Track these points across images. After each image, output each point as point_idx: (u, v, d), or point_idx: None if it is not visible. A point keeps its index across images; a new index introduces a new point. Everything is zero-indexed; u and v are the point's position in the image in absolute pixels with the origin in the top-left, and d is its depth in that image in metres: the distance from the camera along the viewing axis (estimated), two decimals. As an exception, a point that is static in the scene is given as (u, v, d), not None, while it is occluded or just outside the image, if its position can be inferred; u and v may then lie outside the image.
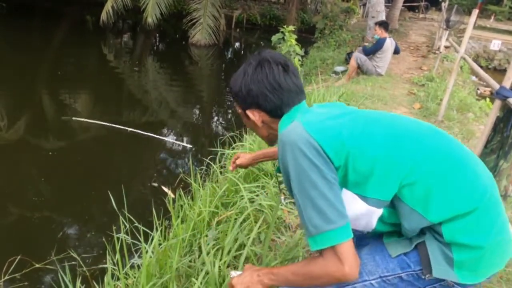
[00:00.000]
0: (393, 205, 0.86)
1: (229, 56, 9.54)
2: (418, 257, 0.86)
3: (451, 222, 0.81)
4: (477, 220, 0.81)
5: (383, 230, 0.93)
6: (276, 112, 0.98)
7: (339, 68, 5.54)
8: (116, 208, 1.87)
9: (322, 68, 5.74)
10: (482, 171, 0.87)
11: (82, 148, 4.05)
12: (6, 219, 2.69)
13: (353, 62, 5.11)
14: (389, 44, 4.94)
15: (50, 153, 3.70)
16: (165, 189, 2.91)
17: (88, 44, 8.36)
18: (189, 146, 4.06)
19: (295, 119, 0.92)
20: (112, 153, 4.07)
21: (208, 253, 1.57)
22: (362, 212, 0.88)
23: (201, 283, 1.48)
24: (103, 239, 2.16)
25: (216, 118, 5.86)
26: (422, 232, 0.87)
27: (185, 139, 4.52)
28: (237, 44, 12.11)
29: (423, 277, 0.86)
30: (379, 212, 0.88)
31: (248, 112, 1.00)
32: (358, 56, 5.11)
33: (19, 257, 2.11)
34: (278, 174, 1.03)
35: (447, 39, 5.81)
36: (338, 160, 0.84)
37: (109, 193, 1.98)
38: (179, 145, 4.53)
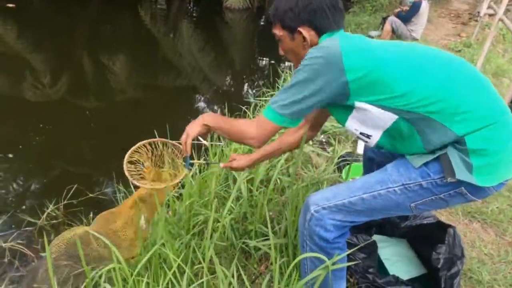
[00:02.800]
0: (417, 123, 1.00)
1: (263, 21, 9.54)
2: (438, 167, 1.00)
3: (474, 133, 0.96)
4: (496, 131, 0.96)
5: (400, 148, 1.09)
6: (325, 30, 1.10)
7: (374, 33, 5.52)
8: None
9: (356, 33, 5.70)
10: (499, 97, 1.03)
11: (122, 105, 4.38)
12: (66, 158, 3.03)
13: (387, 26, 5.08)
14: (425, 7, 4.86)
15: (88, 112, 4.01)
16: (201, 139, 3.16)
17: (125, 7, 8.61)
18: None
19: (335, 36, 1.08)
20: (151, 110, 4.34)
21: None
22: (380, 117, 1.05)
23: (235, 204, 1.73)
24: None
25: (246, 83, 6.01)
26: (444, 146, 1.00)
27: (215, 106, 4.72)
28: (271, 9, 11.99)
29: (441, 183, 1.00)
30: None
31: (301, 29, 1.10)
32: (392, 20, 5.07)
33: (75, 186, 2.45)
34: None
35: (489, 6, 5.60)
36: (356, 77, 0.99)
37: (155, 131, 2.24)
38: (211, 103, 4.80)
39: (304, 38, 1.12)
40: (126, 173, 1.68)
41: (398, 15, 5.12)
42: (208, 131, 1.16)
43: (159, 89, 5.15)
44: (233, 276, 1.26)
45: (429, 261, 1.40)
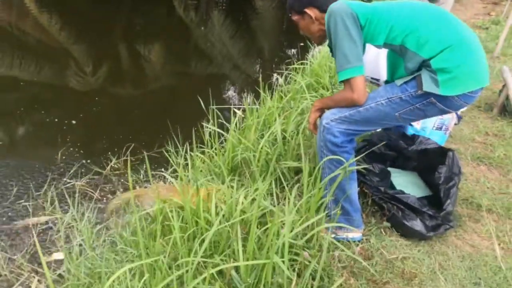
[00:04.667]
0: (400, 53, 1.41)
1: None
2: (414, 83, 1.38)
3: (436, 56, 1.33)
4: (452, 53, 1.32)
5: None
6: (325, 6, 1.50)
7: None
8: (204, 106, 2.58)
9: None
10: (457, 26, 1.38)
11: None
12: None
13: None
14: (453, -14, 5.05)
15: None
16: (238, 111, 3.59)
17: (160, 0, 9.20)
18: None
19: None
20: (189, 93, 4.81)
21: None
22: (372, 56, 1.44)
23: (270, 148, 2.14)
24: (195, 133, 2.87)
25: (275, 69, 6.38)
26: (419, 69, 1.39)
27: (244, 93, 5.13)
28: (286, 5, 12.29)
29: (415, 95, 1.38)
30: (383, 55, 1.43)
31: (306, 10, 1.55)
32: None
33: (132, 145, 2.93)
34: (329, 49, 1.60)
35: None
36: (364, 23, 1.41)
37: (198, 97, 2.67)
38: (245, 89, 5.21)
39: (311, 16, 1.57)
40: None
41: (425, -4, 5.33)
42: (321, 113, 1.57)
43: (192, 76, 5.62)
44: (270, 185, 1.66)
45: (433, 180, 1.74)
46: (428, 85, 1.34)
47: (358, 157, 1.56)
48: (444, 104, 1.38)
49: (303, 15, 1.59)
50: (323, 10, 1.53)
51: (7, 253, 1.99)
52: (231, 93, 5.06)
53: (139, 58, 6.02)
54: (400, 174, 1.96)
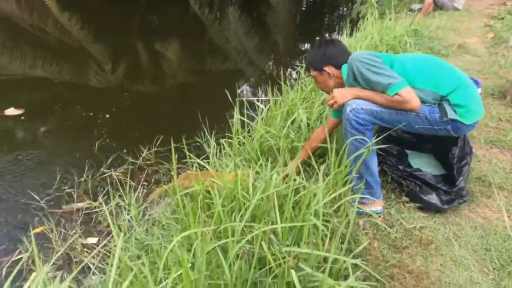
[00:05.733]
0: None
1: (305, 2, 10.10)
2: (438, 110, 1.70)
3: (452, 93, 1.68)
4: (461, 91, 1.69)
5: None
6: (340, 64, 1.85)
7: (416, 6, 5.88)
8: (230, 99, 2.81)
9: (399, 7, 6.08)
10: (460, 72, 1.78)
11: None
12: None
13: (428, -1, 5.45)
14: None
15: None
16: (258, 104, 3.82)
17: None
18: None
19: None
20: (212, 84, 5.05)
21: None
22: None
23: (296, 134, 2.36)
24: (221, 124, 3.10)
25: (289, 64, 6.56)
26: (439, 101, 1.71)
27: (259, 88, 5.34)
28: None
29: (438, 120, 1.70)
30: None
31: (325, 68, 1.88)
32: (434, -8, 5.42)
33: (162, 136, 3.18)
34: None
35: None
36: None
37: (225, 90, 2.90)
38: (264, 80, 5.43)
39: (328, 73, 1.89)
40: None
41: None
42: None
43: (210, 72, 5.86)
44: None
45: (447, 161, 1.94)
46: (452, 114, 1.68)
47: (378, 139, 1.77)
48: (454, 131, 1.76)
49: (321, 72, 1.91)
50: (338, 67, 1.87)
51: (58, 234, 2.25)
52: (250, 87, 5.29)
53: (157, 56, 6.27)
54: (416, 156, 2.16)
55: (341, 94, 1.77)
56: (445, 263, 1.61)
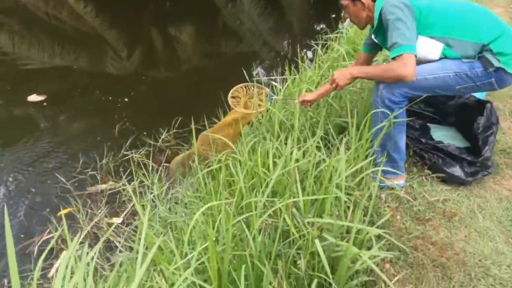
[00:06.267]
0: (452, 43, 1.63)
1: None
2: (479, 64, 1.60)
3: (494, 41, 1.57)
4: (504, 38, 1.57)
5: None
6: None
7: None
8: (247, 78, 2.81)
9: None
10: (501, 20, 1.66)
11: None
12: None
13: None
14: None
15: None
16: (276, 83, 3.80)
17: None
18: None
19: None
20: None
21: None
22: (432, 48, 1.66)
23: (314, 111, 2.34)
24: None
25: (304, 45, 6.46)
26: (479, 53, 1.61)
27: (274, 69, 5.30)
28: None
29: (480, 74, 1.59)
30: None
31: None
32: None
33: (180, 118, 3.21)
34: (373, 34, 1.81)
35: None
36: (419, 15, 1.63)
37: (243, 69, 2.90)
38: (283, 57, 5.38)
39: (363, 4, 1.75)
40: (230, 102, 2.55)
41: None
42: (351, 82, 1.80)
43: (225, 54, 5.83)
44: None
45: (471, 133, 1.91)
46: (496, 62, 1.57)
47: (400, 111, 1.74)
48: (498, 84, 1.62)
49: (354, 2, 1.77)
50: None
51: (85, 214, 2.32)
52: (266, 67, 5.25)
53: (171, 40, 6.27)
54: (439, 129, 2.12)
55: (341, 76, 1.73)
56: (469, 234, 1.60)
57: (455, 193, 1.81)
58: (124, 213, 2.41)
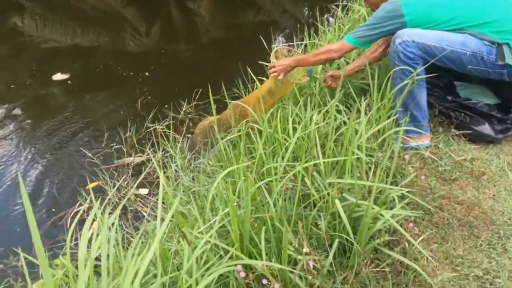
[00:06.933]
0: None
1: None
2: (497, 52, 1.55)
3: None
4: None
5: None
6: None
7: None
8: (266, 46, 2.75)
9: None
10: None
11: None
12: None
13: None
14: None
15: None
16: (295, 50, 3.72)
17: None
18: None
19: None
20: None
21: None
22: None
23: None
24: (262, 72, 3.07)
25: (325, 9, 6.24)
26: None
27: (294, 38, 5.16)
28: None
29: (495, 62, 1.56)
30: None
31: None
32: None
33: (200, 90, 3.20)
34: None
35: None
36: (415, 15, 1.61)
37: (261, 38, 2.83)
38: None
39: None
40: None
41: None
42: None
43: (243, 25, 5.73)
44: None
45: (501, 88, 1.81)
46: (509, 59, 1.52)
47: (423, 67, 1.66)
48: (509, 77, 1.58)
49: None
50: None
51: (112, 186, 2.39)
52: (285, 34, 5.15)
53: (189, 13, 6.21)
54: (466, 86, 2.02)
55: (282, 65, 1.86)
56: (498, 193, 1.54)
57: (484, 151, 1.74)
58: (151, 184, 2.47)
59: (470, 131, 1.75)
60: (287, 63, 1.89)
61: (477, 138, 1.76)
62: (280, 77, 1.89)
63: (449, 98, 1.81)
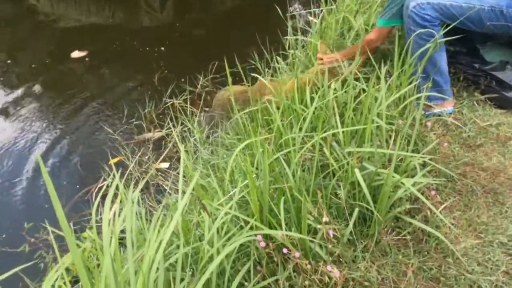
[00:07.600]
0: None
1: None
2: None
3: None
4: None
5: None
6: None
7: None
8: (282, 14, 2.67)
9: None
10: None
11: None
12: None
13: None
14: None
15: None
16: (312, 18, 3.62)
17: None
18: None
19: None
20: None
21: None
22: None
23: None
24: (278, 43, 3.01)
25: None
26: None
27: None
28: None
29: None
30: None
31: None
32: None
33: (216, 63, 3.17)
34: None
35: None
36: None
37: (276, 7, 2.75)
38: None
39: None
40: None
41: None
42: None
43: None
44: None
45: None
46: None
47: (444, 31, 1.59)
48: None
49: None
50: None
51: (134, 161, 2.42)
52: (303, 1, 4.99)
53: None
54: (491, 49, 1.92)
55: (330, 58, 1.85)
56: (525, 158, 1.49)
57: (511, 116, 1.67)
58: (171, 158, 2.50)
59: (497, 95, 1.68)
60: (336, 57, 1.89)
61: (505, 104, 1.69)
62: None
63: (476, 66, 1.73)
